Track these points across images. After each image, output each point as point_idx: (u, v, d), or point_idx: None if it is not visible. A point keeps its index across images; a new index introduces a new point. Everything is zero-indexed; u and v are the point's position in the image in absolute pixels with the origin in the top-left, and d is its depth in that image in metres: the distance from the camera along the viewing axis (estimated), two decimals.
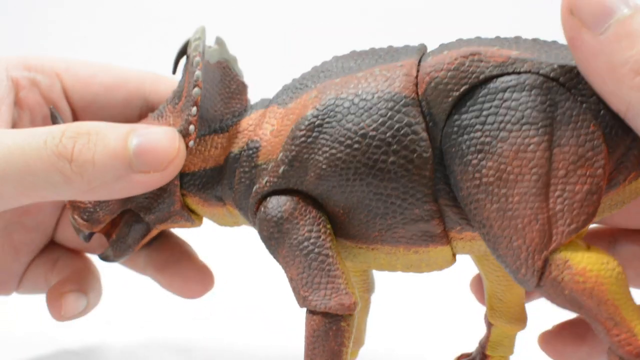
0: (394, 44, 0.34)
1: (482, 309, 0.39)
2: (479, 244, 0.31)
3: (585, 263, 0.26)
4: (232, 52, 0.37)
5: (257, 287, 0.59)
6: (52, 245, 0.45)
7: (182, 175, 0.35)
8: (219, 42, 0.37)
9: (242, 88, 0.37)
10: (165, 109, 0.35)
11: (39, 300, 0.52)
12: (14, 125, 0.39)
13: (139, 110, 0.41)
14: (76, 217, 0.38)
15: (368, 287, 0.39)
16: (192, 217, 0.37)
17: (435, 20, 0.97)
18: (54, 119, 0.38)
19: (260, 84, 0.43)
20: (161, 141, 0.32)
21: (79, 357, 0.48)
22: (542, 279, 0.27)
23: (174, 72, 0.37)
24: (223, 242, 0.54)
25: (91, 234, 0.39)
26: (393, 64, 0.31)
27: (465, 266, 0.40)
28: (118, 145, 0.31)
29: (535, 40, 0.30)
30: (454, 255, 0.32)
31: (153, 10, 1.03)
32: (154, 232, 0.39)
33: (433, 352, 0.48)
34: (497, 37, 0.30)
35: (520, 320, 0.37)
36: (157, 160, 0.32)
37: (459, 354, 0.41)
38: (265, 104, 0.35)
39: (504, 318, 0.37)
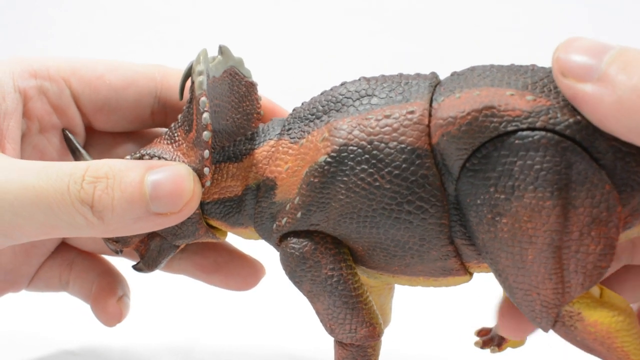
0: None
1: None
2: None
3: (597, 317, 0.28)
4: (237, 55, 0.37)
5: (258, 288, 0.59)
6: (64, 247, 0.45)
7: (203, 203, 0.36)
8: (223, 50, 0.36)
9: (251, 88, 0.37)
10: (177, 133, 0.35)
11: (39, 300, 0.52)
12: (23, 136, 0.39)
13: (151, 109, 0.40)
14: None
15: (385, 318, 0.39)
16: (216, 235, 0.38)
17: (443, 28, 0.97)
18: (68, 141, 0.39)
19: (267, 83, 0.43)
20: (177, 184, 0.32)
21: (78, 357, 0.48)
22: (556, 326, 0.29)
23: (181, 98, 0.37)
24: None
25: (121, 250, 0.40)
26: (404, 104, 0.30)
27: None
28: (135, 190, 0.32)
29: (541, 68, 0.30)
30: (471, 274, 0.33)
31: (156, 7, 1.02)
32: (182, 246, 0.39)
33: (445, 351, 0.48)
34: (511, 68, 0.30)
35: None
36: (173, 203, 0.32)
37: (479, 327, 0.42)
38: (277, 131, 0.35)
39: None
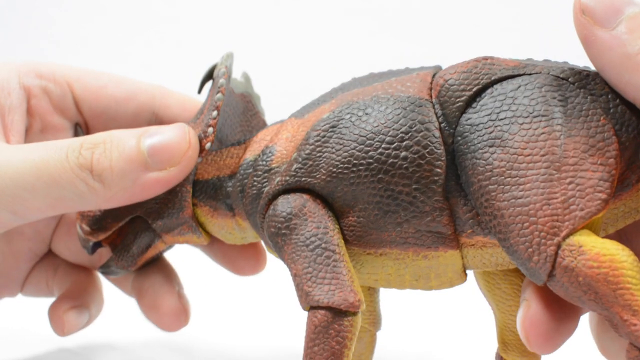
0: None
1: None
2: (490, 252, 0.31)
3: (600, 248, 0.25)
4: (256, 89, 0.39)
5: (258, 287, 0.59)
6: (51, 254, 0.46)
7: (195, 182, 0.36)
8: (245, 77, 0.38)
9: (262, 125, 0.39)
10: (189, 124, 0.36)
11: (38, 300, 0.52)
12: (25, 133, 0.40)
13: (148, 124, 0.41)
14: (84, 225, 0.38)
15: (375, 320, 0.38)
16: (199, 230, 0.37)
17: (443, 28, 0.97)
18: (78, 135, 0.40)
19: (267, 82, 0.43)
20: (172, 137, 0.33)
21: (78, 357, 0.48)
22: (555, 266, 0.26)
23: (200, 92, 0.38)
24: None
25: (96, 245, 0.40)
26: (409, 75, 0.32)
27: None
28: (132, 149, 0.33)
29: (546, 60, 0.31)
30: (464, 270, 0.32)
31: (156, 7, 1.03)
32: (160, 246, 0.39)
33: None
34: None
35: (534, 353, 0.35)
36: (171, 156, 0.33)
37: None
38: (283, 119, 0.36)
39: (517, 351, 0.35)
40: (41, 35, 1.04)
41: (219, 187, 0.36)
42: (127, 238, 0.39)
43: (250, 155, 0.35)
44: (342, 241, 0.31)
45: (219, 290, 0.60)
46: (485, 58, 0.30)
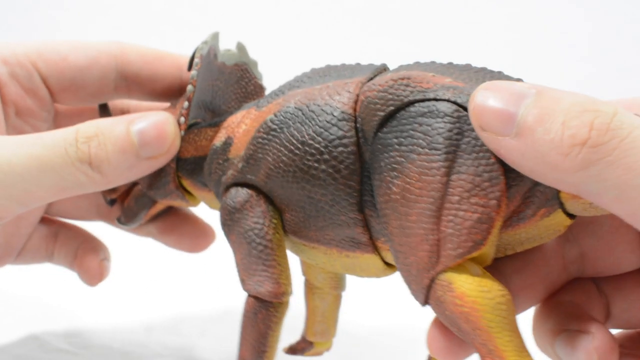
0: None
1: None
2: None
3: (466, 288, 0.27)
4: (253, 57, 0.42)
5: None
6: (48, 219, 0.48)
7: (178, 159, 0.40)
8: (240, 47, 0.41)
9: (259, 90, 0.42)
10: (178, 101, 0.40)
11: (37, 300, 0.52)
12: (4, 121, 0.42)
13: (114, 83, 0.44)
14: None
15: (337, 284, 0.42)
16: (186, 197, 0.41)
17: (443, 28, 0.97)
18: (105, 113, 0.43)
19: (267, 82, 0.44)
20: (160, 129, 0.37)
21: (78, 357, 0.48)
22: (429, 296, 0.28)
23: (189, 69, 0.40)
24: (226, 243, 0.54)
25: (113, 200, 0.45)
26: (345, 80, 0.33)
27: None
28: (125, 141, 0.36)
29: (483, 69, 0.31)
30: (387, 265, 0.34)
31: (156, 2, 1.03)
32: (159, 206, 0.44)
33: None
34: (449, 65, 0.31)
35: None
36: (160, 146, 0.36)
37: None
38: (252, 104, 0.38)
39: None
40: (41, 35, 1.04)
41: (195, 167, 0.39)
42: (130, 201, 0.44)
43: (217, 141, 0.38)
44: (278, 235, 0.35)
45: (220, 291, 0.60)
46: (402, 78, 0.30)
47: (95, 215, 0.49)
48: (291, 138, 0.33)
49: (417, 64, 0.32)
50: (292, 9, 1.00)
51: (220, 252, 0.62)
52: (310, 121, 0.32)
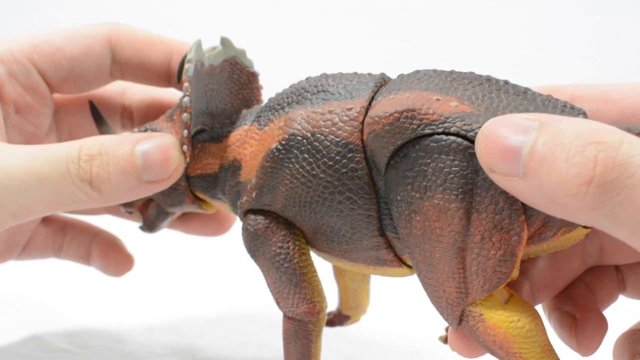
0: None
1: None
2: None
3: (497, 319, 0.28)
4: (239, 47, 0.41)
5: (259, 288, 0.59)
6: (51, 216, 0.48)
7: (188, 177, 0.40)
8: (224, 41, 0.40)
9: (252, 77, 0.41)
10: (175, 112, 0.38)
11: (38, 300, 0.52)
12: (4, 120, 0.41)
13: (110, 69, 0.44)
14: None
15: None
16: (203, 207, 0.42)
17: (443, 28, 0.97)
18: (95, 112, 0.42)
19: (267, 82, 0.44)
20: (164, 154, 0.36)
21: (78, 357, 0.48)
22: (461, 324, 0.30)
23: (178, 81, 0.39)
24: (227, 244, 0.54)
25: (131, 212, 0.45)
26: (346, 102, 0.32)
27: None
28: (128, 163, 0.35)
29: (488, 79, 0.30)
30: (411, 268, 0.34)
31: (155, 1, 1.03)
32: (179, 213, 0.44)
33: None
34: (452, 76, 0.31)
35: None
36: (163, 171, 0.36)
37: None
38: (252, 118, 0.38)
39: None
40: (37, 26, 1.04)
41: (207, 185, 0.39)
42: (149, 214, 0.44)
43: (225, 161, 0.38)
44: (304, 256, 0.35)
45: (220, 291, 0.60)
46: (407, 110, 0.29)
47: (102, 209, 0.49)
48: (301, 170, 0.33)
49: (417, 73, 0.32)
50: (292, 9, 1.00)
51: (221, 252, 0.62)
52: (317, 153, 0.32)
